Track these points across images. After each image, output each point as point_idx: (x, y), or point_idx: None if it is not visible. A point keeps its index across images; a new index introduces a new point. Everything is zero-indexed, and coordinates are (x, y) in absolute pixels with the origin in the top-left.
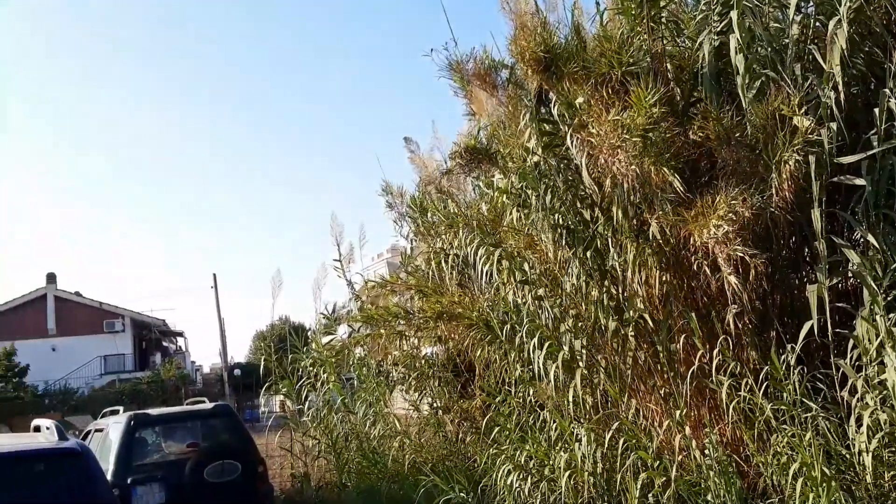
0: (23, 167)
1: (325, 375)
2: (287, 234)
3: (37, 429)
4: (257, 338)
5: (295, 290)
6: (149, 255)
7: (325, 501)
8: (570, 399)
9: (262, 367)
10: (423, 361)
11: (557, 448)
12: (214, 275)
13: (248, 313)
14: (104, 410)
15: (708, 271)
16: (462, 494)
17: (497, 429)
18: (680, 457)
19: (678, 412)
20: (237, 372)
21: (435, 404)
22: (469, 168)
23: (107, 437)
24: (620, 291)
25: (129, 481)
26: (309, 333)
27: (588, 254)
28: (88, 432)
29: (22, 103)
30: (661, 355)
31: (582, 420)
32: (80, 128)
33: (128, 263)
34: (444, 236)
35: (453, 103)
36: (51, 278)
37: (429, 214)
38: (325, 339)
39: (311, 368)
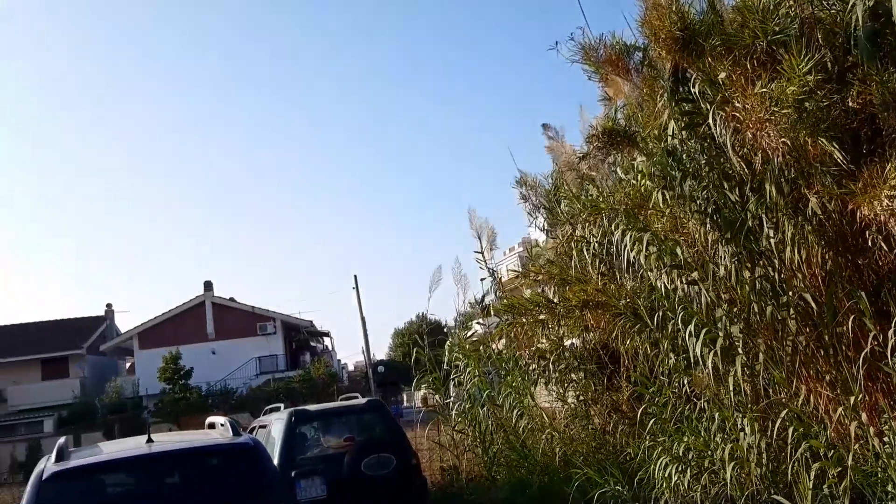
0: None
1: (469, 370)
2: (420, 234)
3: (211, 426)
4: (396, 335)
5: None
6: (293, 259)
7: (476, 493)
8: (731, 388)
9: (406, 362)
10: (567, 353)
11: (718, 439)
12: (355, 276)
13: (386, 312)
14: (266, 407)
15: (884, 246)
16: (617, 487)
17: (652, 420)
18: (856, 445)
19: (852, 398)
20: (380, 369)
21: (581, 396)
22: (607, 151)
23: (270, 432)
24: (777, 273)
25: (293, 474)
26: (446, 329)
27: (739, 235)
28: (253, 428)
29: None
30: (826, 339)
31: (743, 409)
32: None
33: (275, 268)
34: (584, 223)
35: (580, 94)
36: (208, 286)
37: (565, 202)
38: (464, 335)
39: (455, 363)
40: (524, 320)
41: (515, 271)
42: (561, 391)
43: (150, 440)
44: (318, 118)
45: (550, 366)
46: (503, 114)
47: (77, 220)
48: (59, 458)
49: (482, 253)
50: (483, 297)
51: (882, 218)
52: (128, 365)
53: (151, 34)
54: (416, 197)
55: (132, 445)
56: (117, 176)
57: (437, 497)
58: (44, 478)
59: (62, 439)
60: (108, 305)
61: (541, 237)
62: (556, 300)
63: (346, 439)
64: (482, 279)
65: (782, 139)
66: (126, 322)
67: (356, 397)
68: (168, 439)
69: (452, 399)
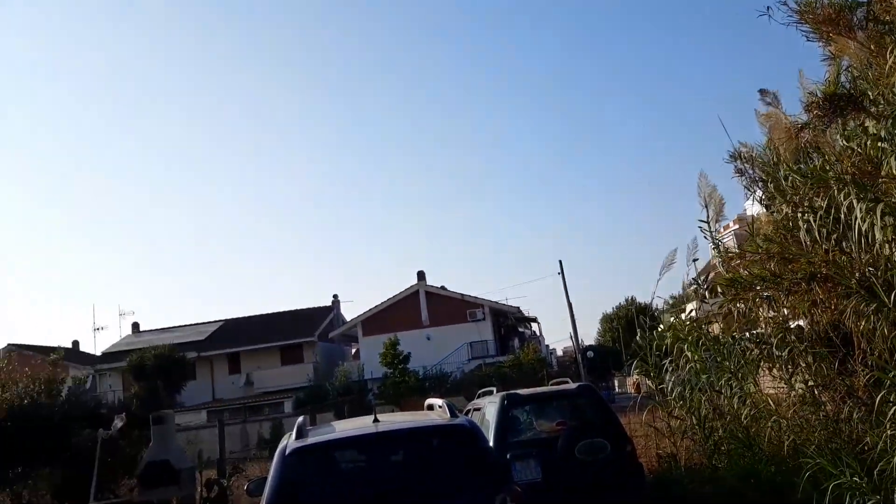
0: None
1: (686, 353)
2: (626, 217)
3: (430, 407)
4: (605, 320)
5: (637, 271)
6: (499, 248)
7: (696, 482)
8: None
9: (616, 347)
10: (792, 336)
11: None
12: (560, 261)
13: (594, 297)
14: (480, 391)
15: None
16: (854, 479)
17: (894, 409)
18: None
19: None
20: (590, 354)
21: (810, 382)
22: (830, 118)
23: (484, 415)
24: None
25: (507, 456)
26: (657, 313)
27: None
28: (468, 411)
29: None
30: None
31: None
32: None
33: (482, 257)
34: (807, 195)
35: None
36: (420, 276)
37: (786, 173)
38: (674, 318)
39: (670, 347)
40: (747, 295)
41: (731, 253)
42: (787, 376)
43: (376, 420)
44: (527, 102)
45: (774, 350)
46: (710, 85)
47: (307, 222)
48: (298, 436)
49: (708, 223)
50: (697, 276)
51: None
52: (353, 351)
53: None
54: (620, 179)
55: (361, 424)
56: (344, 181)
57: (654, 484)
58: (286, 453)
59: (301, 418)
60: (335, 296)
61: (758, 211)
62: (781, 273)
63: (559, 423)
64: (695, 259)
65: None
66: (350, 311)
67: (567, 382)
68: (392, 419)
69: (669, 384)
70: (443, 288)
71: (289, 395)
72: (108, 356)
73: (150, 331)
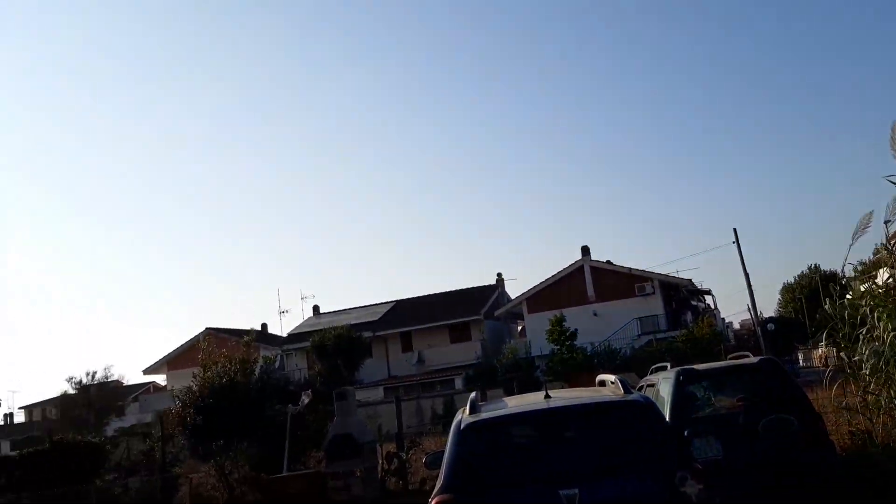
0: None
1: (883, 323)
2: (805, 183)
3: (602, 383)
4: (785, 290)
5: (825, 236)
6: (669, 218)
7: (894, 462)
8: None
9: (799, 318)
10: None
11: None
12: (735, 230)
13: (773, 266)
14: (653, 367)
15: None
16: None
17: None
18: None
19: None
20: (770, 326)
21: None
22: None
23: (658, 391)
24: None
25: (685, 433)
26: (844, 281)
27: None
28: (641, 387)
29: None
30: None
31: None
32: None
33: (650, 229)
34: None
35: None
36: (585, 251)
37: None
38: (867, 285)
39: (863, 316)
40: None
41: None
42: None
43: (547, 396)
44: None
45: None
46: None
47: (470, 202)
48: (472, 411)
49: None
50: (889, 240)
51: None
52: (519, 328)
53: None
54: (801, 145)
55: (532, 400)
56: (505, 160)
57: (846, 463)
58: (462, 427)
59: (473, 394)
60: (499, 275)
61: None
62: None
63: (739, 399)
64: (887, 221)
65: None
66: (514, 289)
67: (747, 356)
68: (564, 395)
69: (864, 356)
70: (608, 262)
71: (458, 372)
72: (293, 337)
73: (329, 313)
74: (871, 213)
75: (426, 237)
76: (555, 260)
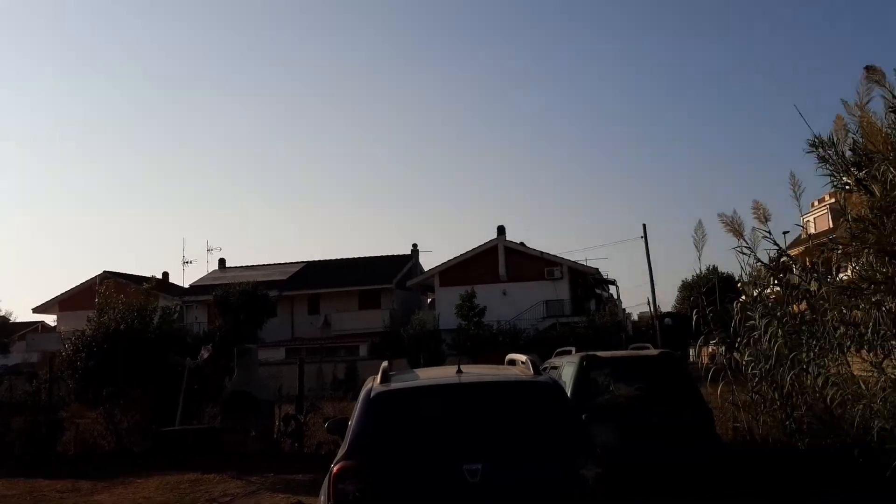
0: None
1: (771, 329)
2: (715, 182)
3: (511, 362)
4: (684, 288)
5: (723, 239)
6: (581, 207)
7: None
8: None
9: (694, 316)
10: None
11: None
12: (644, 225)
13: (676, 263)
14: (558, 350)
15: None
16: None
17: None
18: None
19: None
20: (667, 321)
21: None
22: None
23: (560, 375)
24: None
25: (583, 418)
26: (739, 285)
27: None
28: (545, 369)
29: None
30: None
31: None
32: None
33: (564, 216)
34: None
35: None
36: (500, 230)
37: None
38: (759, 291)
39: (751, 322)
40: (860, 304)
41: (820, 244)
42: (878, 360)
43: (459, 371)
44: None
45: (870, 333)
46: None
47: (391, 170)
48: (383, 380)
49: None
50: (780, 252)
51: None
52: (429, 300)
53: None
54: (708, 143)
55: (444, 374)
56: (427, 131)
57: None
58: (372, 396)
59: (385, 363)
60: (414, 245)
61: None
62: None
63: (638, 388)
64: (785, 232)
65: None
66: (429, 261)
67: (647, 347)
68: (475, 371)
69: (749, 359)
70: (522, 244)
71: (364, 339)
72: (196, 289)
73: (236, 267)
74: (699, 221)
75: (345, 200)
76: (473, 236)
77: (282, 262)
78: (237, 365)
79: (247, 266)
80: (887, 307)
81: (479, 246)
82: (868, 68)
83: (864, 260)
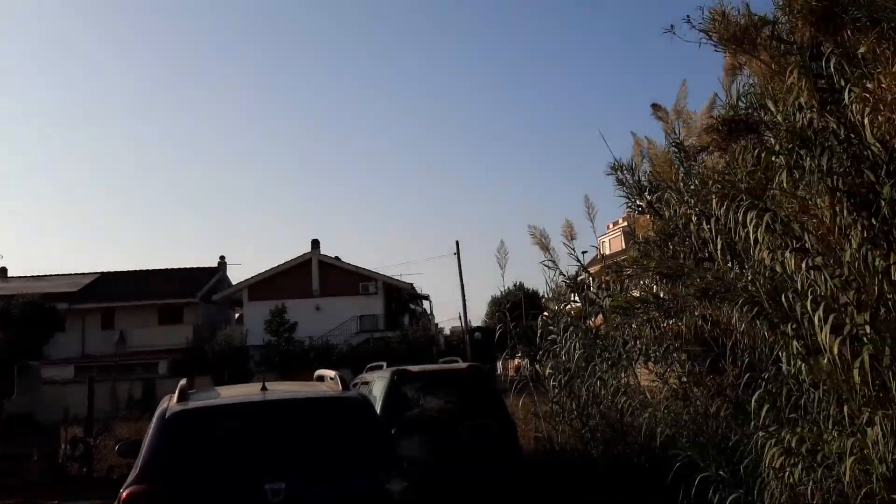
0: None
1: (569, 343)
2: (522, 200)
3: (320, 378)
4: (493, 303)
5: (530, 256)
6: (397, 223)
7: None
8: (858, 379)
9: (502, 330)
10: (671, 337)
11: (833, 432)
12: (457, 242)
13: (486, 280)
14: (369, 365)
15: None
16: (720, 472)
17: (765, 407)
18: None
19: None
20: (477, 335)
21: (683, 378)
22: (727, 143)
23: (371, 390)
24: None
25: (392, 432)
26: (543, 301)
27: (873, 220)
28: (355, 384)
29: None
30: None
31: (870, 403)
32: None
33: (379, 231)
34: (689, 208)
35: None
36: (315, 244)
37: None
38: (562, 307)
39: (552, 335)
40: (636, 320)
41: (613, 265)
42: (662, 371)
43: (264, 388)
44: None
45: (654, 346)
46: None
47: (195, 175)
48: (180, 399)
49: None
50: (577, 274)
51: None
52: (237, 315)
53: None
54: (522, 167)
55: (247, 392)
56: (235, 135)
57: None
58: (167, 416)
59: (183, 381)
60: (222, 258)
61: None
62: (664, 296)
63: (448, 402)
64: (584, 251)
65: None
66: (238, 274)
67: (457, 361)
68: (281, 388)
69: (550, 371)
70: (337, 258)
71: (165, 356)
72: None
73: (20, 277)
74: (502, 241)
75: (145, 209)
76: (288, 251)
77: (73, 272)
78: (17, 384)
79: (33, 276)
80: (664, 325)
81: (292, 259)
82: (654, 106)
83: (643, 282)
